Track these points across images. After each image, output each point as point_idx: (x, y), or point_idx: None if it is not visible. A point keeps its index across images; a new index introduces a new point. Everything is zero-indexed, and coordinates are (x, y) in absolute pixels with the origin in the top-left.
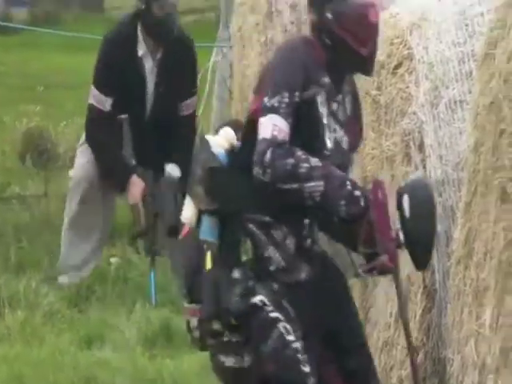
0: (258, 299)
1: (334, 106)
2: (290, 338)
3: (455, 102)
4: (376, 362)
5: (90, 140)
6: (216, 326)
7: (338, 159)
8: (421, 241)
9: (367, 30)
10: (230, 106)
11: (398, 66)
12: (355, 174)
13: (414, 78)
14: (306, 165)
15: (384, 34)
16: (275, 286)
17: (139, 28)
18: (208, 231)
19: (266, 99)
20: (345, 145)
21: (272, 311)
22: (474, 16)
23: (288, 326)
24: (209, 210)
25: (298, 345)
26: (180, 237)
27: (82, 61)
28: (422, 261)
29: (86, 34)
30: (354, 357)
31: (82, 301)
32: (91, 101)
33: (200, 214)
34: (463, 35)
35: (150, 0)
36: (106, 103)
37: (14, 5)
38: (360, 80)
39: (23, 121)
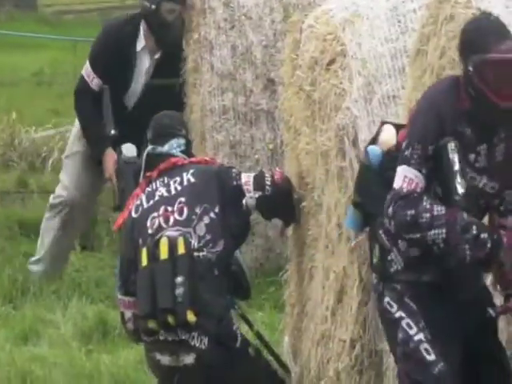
0: (385, 301)
1: (472, 156)
2: (412, 331)
3: (388, 98)
4: (312, 354)
5: (75, 109)
6: (152, 324)
7: (471, 204)
8: None
9: (508, 84)
10: None
11: (332, 62)
12: (290, 169)
13: (347, 74)
14: (427, 214)
15: (317, 30)
16: (397, 286)
17: (142, 26)
18: (351, 221)
19: (403, 147)
20: (489, 189)
21: (396, 311)
22: (407, 12)
23: (410, 321)
24: (354, 202)
25: (420, 336)
26: (114, 227)
27: (15, 58)
28: None
29: (19, 32)
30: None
31: (17, 297)
32: (83, 72)
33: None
34: (396, 31)
35: (161, 2)
36: (93, 81)
37: None
38: (294, 76)
39: None
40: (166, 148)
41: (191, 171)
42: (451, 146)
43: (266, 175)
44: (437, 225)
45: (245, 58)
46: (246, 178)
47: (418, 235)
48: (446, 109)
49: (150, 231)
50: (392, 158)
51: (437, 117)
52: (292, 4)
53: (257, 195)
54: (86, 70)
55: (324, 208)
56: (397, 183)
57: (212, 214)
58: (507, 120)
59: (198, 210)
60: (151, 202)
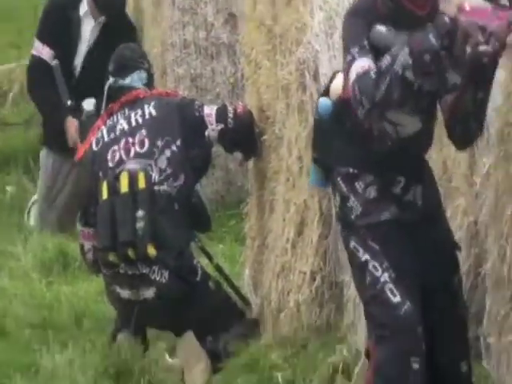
0: (352, 245)
1: None
2: (377, 273)
3: None
4: (273, 286)
5: (29, 88)
6: (112, 257)
7: None
8: None
9: None
10: None
11: None
12: (250, 102)
13: (308, 9)
14: (385, 59)
15: None
16: (360, 230)
17: None
18: (315, 179)
19: (344, 58)
20: None
21: (362, 255)
22: None
23: (375, 263)
24: (313, 158)
25: (385, 276)
26: (75, 158)
27: None
28: None
29: None
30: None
31: None
32: (32, 51)
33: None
34: None
35: None
36: (43, 52)
37: None
38: (256, 11)
39: None
40: (127, 81)
41: (152, 103)
42: (379, 27)
43: (229, 108)
44: (396, 52)
45: None
46: (209, 110)
47: (387, 78)
48: (367, 14)
49: (110, 164)
50: (343, 104)
51: (361, 19)
52: None
53: (219, 127)
54: (35, 47)
55: (285, 142)
56: (352, 75)
57: (174, 147)
58: (421, 25)
59: (159, 143)
60: (112, 135)
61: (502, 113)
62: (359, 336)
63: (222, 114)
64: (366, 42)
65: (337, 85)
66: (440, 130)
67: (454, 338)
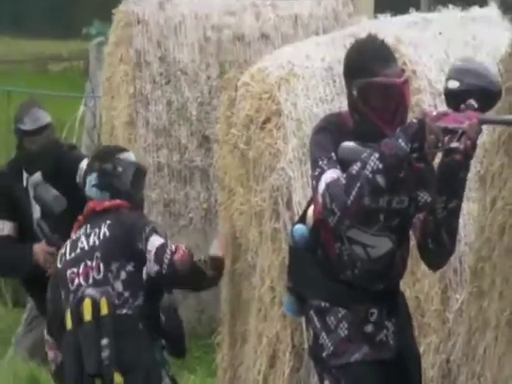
0: (325, 383)
1: None
2: None
3: None
4: None
5: None
6: None
7: None
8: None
9: (392, 107)
10: None
11: (267, 121)
12: (223, 229)
13: (282, 134)
14: (355, 166)
15: (252, 88)
16: (333, 370)
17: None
18: (288, 306)
19: (312, 175)
20: None
21: None
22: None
23: None
24: (287, 287)
25: None
26: (48, 273)
27: None
28: None
29: None
30: None
31: None
32: None
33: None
34: (331, 92)
35: (22, 137)
36: (4, 229)
37: None
38: (229, 134)
39: None
40: (86, 190)
41: (108, 222)
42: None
43: (167, 251)
44: (366, 158)
45: (180, 113)
46: (151, 247)
47: (357, 184)
48: (333, 130)
49: (70, 287)
50: (315, 229)
51: (328, 134)
52: (228, 61)
53: (155, 269)
54: None
55: (257, 270)
56: (320, 189)
57: (128, 268)
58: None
59: (113, 267)
60: (73, 254)
61: (474, 248)
62: None
63: (159, 255)
64: (333, 155)
65: (312, 211)
66: (412, 265)
67: None
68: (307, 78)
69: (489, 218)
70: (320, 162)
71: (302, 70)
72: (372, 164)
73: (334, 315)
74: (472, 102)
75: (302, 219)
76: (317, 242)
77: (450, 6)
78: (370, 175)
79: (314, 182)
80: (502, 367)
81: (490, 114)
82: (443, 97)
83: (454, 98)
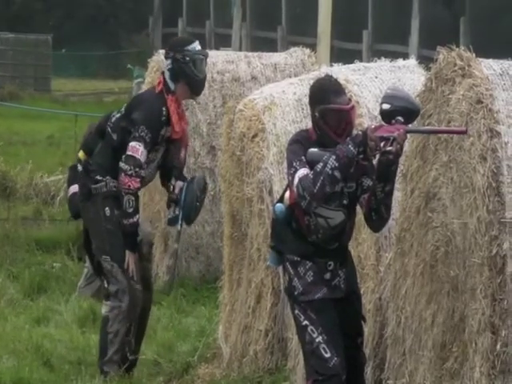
0: (296, 312)
1: None
2: (314, 335)
3: None
4: (239, 339)
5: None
6: None
7: None
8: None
9: (343, 125)
10: None
11: (255, 135)
12: (225, 209)
13: (265, 145)
14: (318, 165)
15: (245, 113)
16: (302, 304)
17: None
18: (271, 259)
19: (287, 172)
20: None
21: (303, 320)
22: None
23: (313, 328)
24: (270, 245)
25: (319, 338)
26: None
27: (34, 126)
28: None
29: (38, 108)
30: (352, 350)
31: (33, 293)
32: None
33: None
34: (300, 115)
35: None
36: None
37: None
38: (229, 145)
39: None
40: None
41: None
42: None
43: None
44: (326, 159)
45: (195, 130)
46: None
47: (321, 177)
48: (303, 141)
49: None
50: (291, 209)
51: (299, 144)
52: (228, 94)
53: None
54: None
55: (248, 237)
56: (295, 181)
57: None
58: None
59: None
60: None
61: (399, 222)
62: (298, 376)
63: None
64: (303, 157)
65: (288, 195)
66: (355, 233)
67: (357, 379)
68: (283, 106)
69: (409, 202)
70: (294, 163)
71: (280, 100)
72: (330, 163)
73: (303, 266)
74: (400, 118)
75: (281, 200)
76: (291, 216)
77: (383, 58)
78: (330, 171)
79: (290, 177)
80: (418, 303)
81: (413, 126)
82: (378, 118)
83: (387, 116)
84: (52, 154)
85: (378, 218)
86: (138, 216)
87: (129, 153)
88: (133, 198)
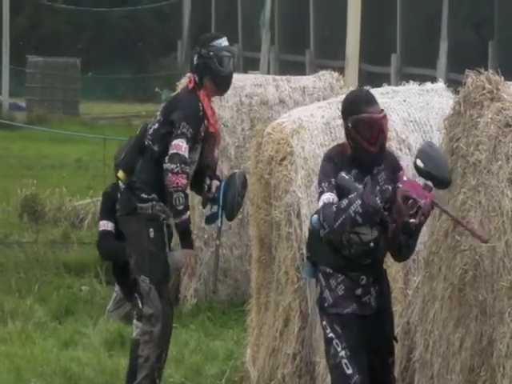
0: (323, 323)
1: (361, 185)
2: (338, 349)
3: None
4: (266, 362)
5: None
6: None
7: None
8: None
9: (375, 134)
10: None
11: (283, 158)
12: (253, 232)
13: (294, 168)
14: (344, 201)
15: (273, 136)
16: (330, 316)
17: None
18: (307, 272)
19: (318, 190)
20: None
21: (329, 333)
22: (336, 126)
23: (338, 341)
24: (306, 256)
25: (342, 353)
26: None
27: (63, 149)
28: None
29: (66, 131)
30: (382, 372)
31: (62, 315)
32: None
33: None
34: (328, 139)
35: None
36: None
37: (15, 109)
38: (257, 168)
39: (22, 190)
40: None
41: None
42: (343, 175)
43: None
44: (352, 199)
45: (223, 153)
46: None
47: (343, 216)
48: (336, 158)
49: None
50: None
51: (332, 163)
52: (256, 117)
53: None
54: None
55: (276, 260)
56: (320, 203)
57: None
58: (376, 159)
59: None
60: None
61: (427, 245)
62: None
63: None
64: (333, 180)
65: None
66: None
67: None
68: (312, 130)
69: (437, 225)
70: (323, 184)
71: (308, 124)
72: (355, 207)
73: (335, 279)
74: (429, 183)
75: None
76: None
77: (411, 82)
78: (353, 214)
79: (318, 195)
80: (446, 327)
81: (440, 201)
82: (406, 142)
83: (419, 173)
84: (80, 177)
85: (399, 257)
86: (188, 213)
87: (173, 151)
88: (182, 195)
